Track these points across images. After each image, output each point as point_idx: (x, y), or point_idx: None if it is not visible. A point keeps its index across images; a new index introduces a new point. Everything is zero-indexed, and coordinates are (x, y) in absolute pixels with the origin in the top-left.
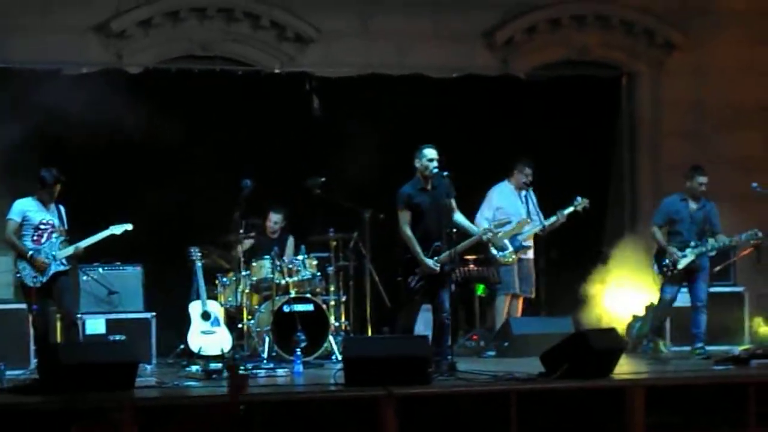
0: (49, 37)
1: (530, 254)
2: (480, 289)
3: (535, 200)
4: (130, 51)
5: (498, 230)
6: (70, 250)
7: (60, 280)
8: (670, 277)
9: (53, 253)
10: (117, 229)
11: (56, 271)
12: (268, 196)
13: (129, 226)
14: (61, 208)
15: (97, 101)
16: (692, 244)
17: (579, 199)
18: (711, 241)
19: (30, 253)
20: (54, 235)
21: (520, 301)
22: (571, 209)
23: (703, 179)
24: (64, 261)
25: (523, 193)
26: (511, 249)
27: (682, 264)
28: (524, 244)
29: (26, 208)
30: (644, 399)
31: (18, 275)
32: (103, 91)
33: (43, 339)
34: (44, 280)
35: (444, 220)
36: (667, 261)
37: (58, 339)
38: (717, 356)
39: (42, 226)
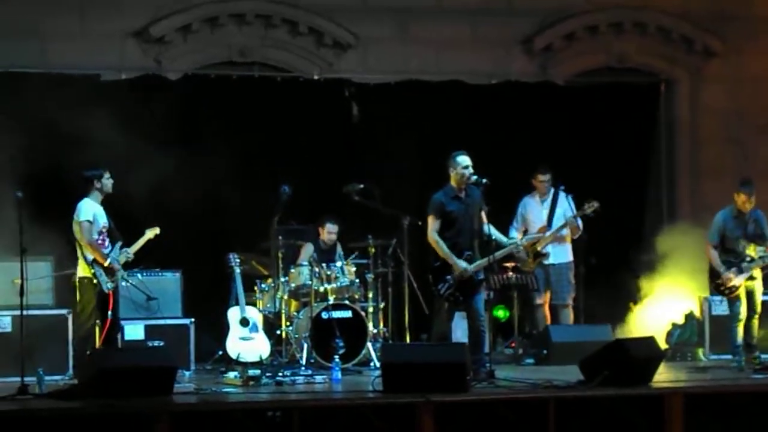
0: (88, 43)
1: (556, 260)
2: (499, 314)
3: (566, 206)
4: (169, 57)
5: (524, 241)
6: (125, 255)
7: (119, 287)
8: (728, 295)
9: (117, 258)
10: (150, 233)
11: (120, 276)
12: (307, 202)
13: (157, 230)
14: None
15: (136, 107)
16: (747, 258)
17: (586, 204)
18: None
19: (109, 260)
20: (108, 239)
21: (569, 310)
22: (578, 214)
23: (741, 197)
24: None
25: (544, 200)
26: (525, 258)
27: (737, 282)
28: (542, 251)
29: (95, 209)
30: (683, 407)
31: (95, 280)
32: (142, 97)
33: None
34: (114, 286)
35: (477, 229)
36: (723, 286)
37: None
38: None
39: (104, 230)
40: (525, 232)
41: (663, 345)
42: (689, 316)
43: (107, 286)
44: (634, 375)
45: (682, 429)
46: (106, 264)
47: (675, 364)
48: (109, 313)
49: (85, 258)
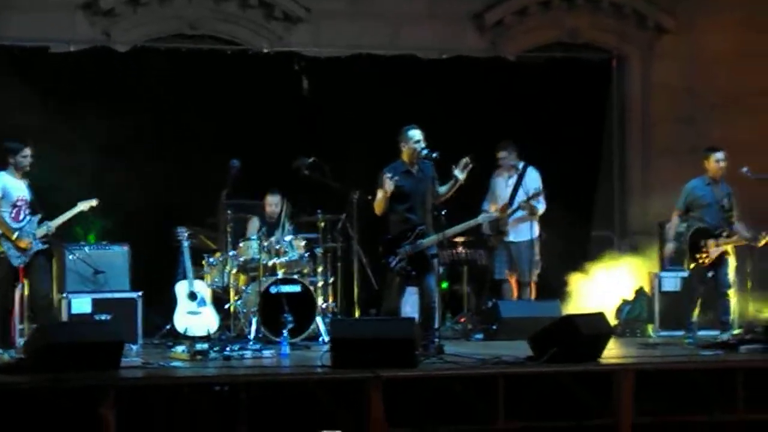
0: (37, 15)
1: (516, 238)
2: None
3: (530, 184)
4: (118, 29)
5: (492, 215)
6: (44, 228)
7: (39, 259)
8: (702, 267)
9: (33, 231)
10: (84, 205)
11: (36, 250)
12: (256, 177)
13: (94, 202)
14: (26, 182)
15: (84, 80)
16: (724, 233)
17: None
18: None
19: (17, 234)
20: (26, 211)
21: (530, 288)
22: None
23: (719, 155)
24: (41, 240)
25: (511, 176)
26: (490, 234)
27: (714, 255)
28: (501, 229)
29: (5, 183)
30: (632, 383)
31: (1, 254)
32: (90, 70)
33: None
34: (27, 260)
35: (429, 204)
36: (701, 253)
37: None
38: (706, 341)
39: (19, 203)
40: None
41: (613, 321)
42: (639, 292)
43: (16, 260)
44: (583, 351)
45: (632, 405)
46: (13, 237)
47: (624, 341)
48: (21, 286)
49: None
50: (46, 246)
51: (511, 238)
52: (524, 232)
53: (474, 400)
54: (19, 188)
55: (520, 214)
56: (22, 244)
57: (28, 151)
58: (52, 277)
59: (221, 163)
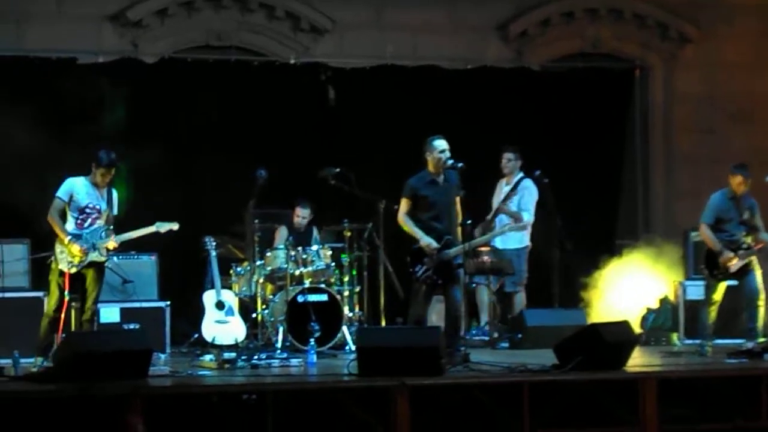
0: (65, 26)
1: (501, 246)
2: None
3: (523, 194)
4: (145, 40)
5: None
6: (109, 241)
7: (94, 270)
8: (721, 279)
9: (94, 241)
10: (162, 227)
11: (93, 260)
12: (283, 186)
13: (175, 226)
14: (114, 192)
15: (112, 91)
16: (744, 245)
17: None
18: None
19: (69, 238)
20: (99, 222)
21: (513, 296)
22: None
23: (737, 179)
24: (103, 252)
25: (509, 184)
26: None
27: (734, 269)
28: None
29: (75, 188)
30: (656, 391)
31: (53, 258)
32: (118, 81)
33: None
34: (80, 267)
35: (455, 213)
36: (719, 266)
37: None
38: (730, 350)
39: (88, 210)
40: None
41: (637, 330)
42: (664, 301)
43: (65, 265)
44: (608, 359)
45: (656, 413)
46: (65, 241)
47: (649, 349)
48: (66, 293)
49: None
50: (104, 259)
51: (498, 245)
52: (511, 240)
53: (499, 408)
54: (91, 196)
55: (502, 222)
56: (74, 251)
57: (109, 171)
58: (99, 294)
59: (248, 172)
